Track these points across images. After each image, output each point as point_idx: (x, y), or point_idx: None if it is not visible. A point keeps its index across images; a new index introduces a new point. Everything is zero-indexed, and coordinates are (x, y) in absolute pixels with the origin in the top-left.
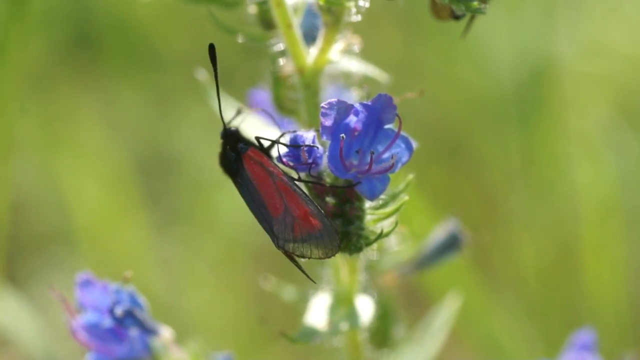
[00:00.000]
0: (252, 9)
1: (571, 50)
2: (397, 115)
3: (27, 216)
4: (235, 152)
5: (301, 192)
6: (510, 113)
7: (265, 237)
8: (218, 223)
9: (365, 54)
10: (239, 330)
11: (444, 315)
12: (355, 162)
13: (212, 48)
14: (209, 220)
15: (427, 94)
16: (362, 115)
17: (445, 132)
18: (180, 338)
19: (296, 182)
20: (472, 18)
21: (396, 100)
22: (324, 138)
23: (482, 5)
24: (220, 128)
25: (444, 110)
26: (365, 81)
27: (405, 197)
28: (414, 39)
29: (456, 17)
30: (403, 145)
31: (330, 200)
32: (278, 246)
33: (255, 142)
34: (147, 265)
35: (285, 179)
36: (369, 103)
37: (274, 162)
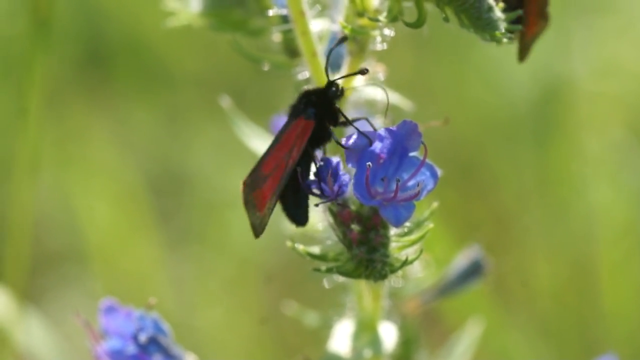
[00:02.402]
0: (277, 37)
1: (585, 70)
2: (423, 143)
3: (40, 235)
4: (305, 108)
5: (282, 185)
6: (524, 133)
7: (278, 257)
8: (230, 242)
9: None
10: (251, 350)
11: (466, 342)
12: (380, 189)
13: None
14: (221, 239)
15: (439, 114)
16: (387, 142)
17: (458, 152)
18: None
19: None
20: (525, 43)
21: (422, 128)
22: (349, 165)
23: (508, 35)
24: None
25: (457, 131)
26: (390, 109)
27: (430, 225)
28: (426, 59)
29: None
30: (428, 173)
31: (355, 227)
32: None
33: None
34: (159, 283)
35: (289, 165)
36: (394, 129)
37: (303, 151)
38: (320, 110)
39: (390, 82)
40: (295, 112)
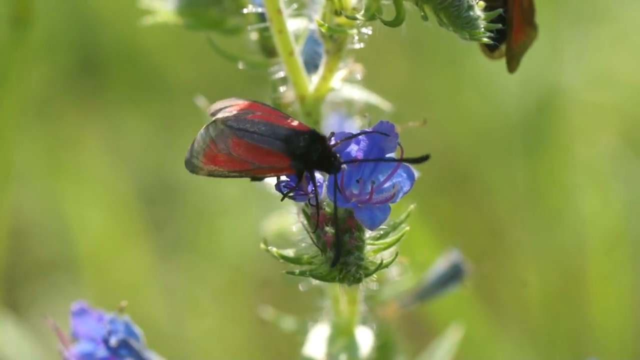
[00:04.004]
0: (254, 36)
1: (578, 79)
2: (399, 144)
3: (31, 243)
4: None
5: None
6: (517, 142)
7: (269, 267)
8: (221, 251)
9: (371, 83)
10: (242, 359)
11: (446, 347)
12: (355, 191)
13: None
14: (212, 248)
15: (433, 123)
16: (363, 144)
17: (451, 161)
18: None
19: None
20: (512, 52)
21: (398, 128)
22: None
23: (487, 34)
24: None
25: (450, 140)
26: (368, 109)
27: (406, 228)
28: (419, 68)
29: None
30: (404, 175)
31: (329, 230)
32: None
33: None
34: (149, 293)
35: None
36: (370, 130)
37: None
38: (309, 166)
39: (385, 91)
40: (289, 148)
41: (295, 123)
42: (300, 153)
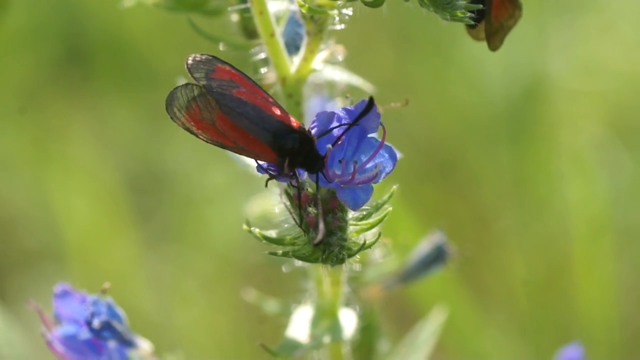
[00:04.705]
0: (235, 18)
1: (564, 68)
2: (381, 124)
3: (18, 233)
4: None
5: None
6: (503, 130)
7: (256, 255)
8: (209, 240)
9: (357, 72)
10: (228, 348)
11: (429, 329)
12: (338, 171)
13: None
14: (199, 237)
15: (420, 112)
16: (345, 123)
17: (438, 149)
18: (169, 355)
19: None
20: (492, 28)
21: (380, 110)
22: None
23: (468, 15)
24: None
25: (437, 128)
26: (350, 92)
27: (388, 208)
28: (407, 57)
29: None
30: (387, 155)
31: (312, 210)
32: None
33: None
34: (137, 282)
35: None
36: (352, 109)
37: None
38: (293, 163)
39: (372, 79)
40: (276, 143)
41: (282, 114)
42: (287, 150)
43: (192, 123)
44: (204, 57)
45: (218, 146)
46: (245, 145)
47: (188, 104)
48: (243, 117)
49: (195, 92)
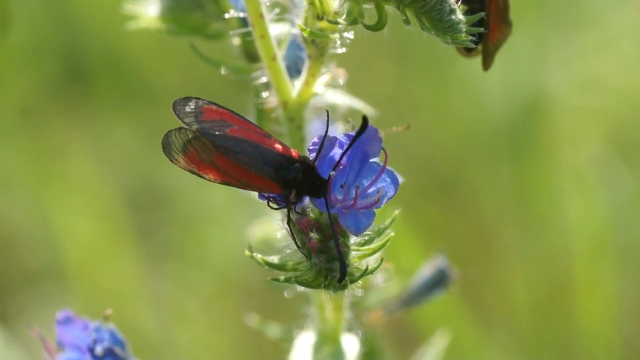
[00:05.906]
0: (236, 41)
1: (564, 84)
2: (383, 149)
3: (18, 252)
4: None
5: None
6: (503, 147)
7: (256, 274)
8: (209, 259)
9: (357, 89)
10: None
11: (432, 354)
12: (339, 196)
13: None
14: (199, 256)
15: (420, 129)
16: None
17: (438, 167)
18: None
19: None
20: (487, 50)
21: (382, 133)
22: None
23: (470, 38)
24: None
25: (437, 145)
26: (351, 114)
27: (390, 233)
28: (406, 73)
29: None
30: (389, 180)
31: (314, 235)
32: None
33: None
34: (137, 301)
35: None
36: (354, 134)
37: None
38: (299, 193)
39: (370, 97)
40: (279, 175)
41: (280, 147)
42: (291, 182)
43: (193, 165)
44: (188, 101)
45: (225, 185)
46: (248, 182)
47: (184, 147)
48: (242, 155)
49: (190, 136)
